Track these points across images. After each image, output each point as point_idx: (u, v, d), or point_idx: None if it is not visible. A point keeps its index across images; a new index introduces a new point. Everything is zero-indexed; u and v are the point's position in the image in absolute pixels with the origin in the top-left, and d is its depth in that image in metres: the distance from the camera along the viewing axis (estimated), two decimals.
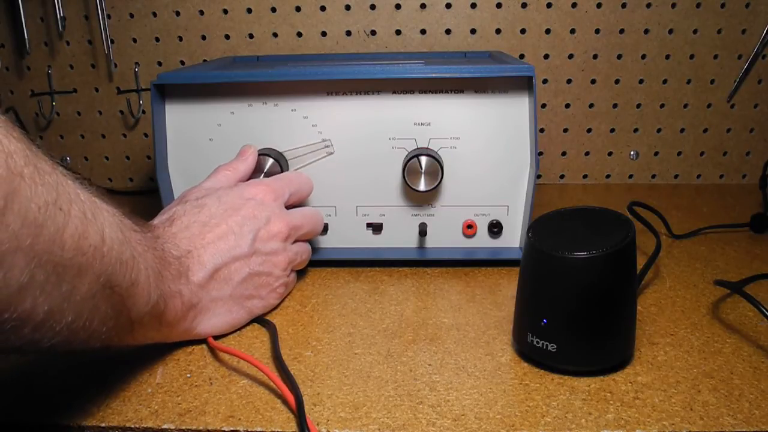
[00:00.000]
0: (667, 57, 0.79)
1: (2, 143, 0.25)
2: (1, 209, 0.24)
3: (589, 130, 0.83)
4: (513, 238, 0.56)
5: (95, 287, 0.30)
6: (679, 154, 0.83)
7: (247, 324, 0.47)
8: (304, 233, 0.52)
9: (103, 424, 0.35)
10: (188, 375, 0.40)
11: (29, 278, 0.26)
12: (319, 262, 0.58)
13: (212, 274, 0.43)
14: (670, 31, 0.78)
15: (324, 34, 0.80)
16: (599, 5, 0.77)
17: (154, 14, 0.81)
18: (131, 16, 0.81)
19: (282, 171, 0.54)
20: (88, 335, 0.31)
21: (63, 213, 0.27)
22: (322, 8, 0.79)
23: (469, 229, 0.56)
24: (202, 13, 0.80)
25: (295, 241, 0.51)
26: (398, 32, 0.80)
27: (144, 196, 0.83)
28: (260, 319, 0.47)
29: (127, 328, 0.35)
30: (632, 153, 0.83)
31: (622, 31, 0.78)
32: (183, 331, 0.42)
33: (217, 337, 0.44)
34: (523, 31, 0.79)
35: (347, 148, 0.55)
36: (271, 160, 0.54)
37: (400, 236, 0.57)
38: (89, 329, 0.31)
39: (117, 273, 0.32)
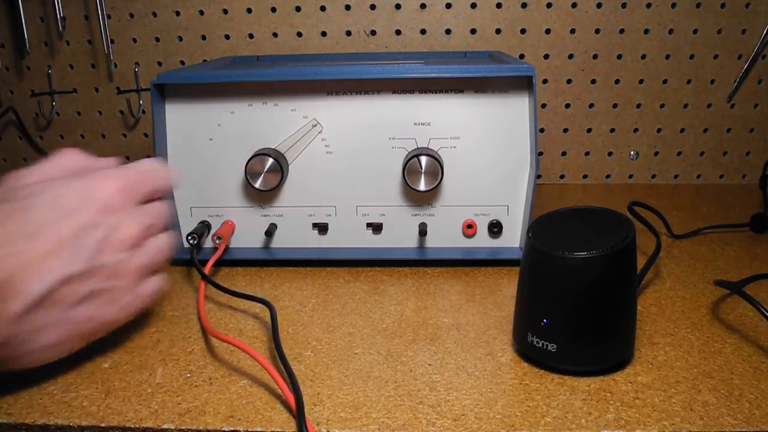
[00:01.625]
0: (667, 57, 0.79)
1: None
2: None
3: (589, 130, 0.83)
4: (513, 238, 0.56)
5: None
6: (679, 154, 0.83)
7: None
8: (160, 228, 0.43)
9: (103, 424, 0.35)
10: (188, 375, 0.40)
11: None
12: (319, 262, 0.58)
13: (37, 301, 0.34)
14: (670, 31, 0.78)
15: (324, 34, 0.81)
16: (599, 5, 0.77)
17: (154, 14, 0.81)
18: (131, 16, 0.81)
19: (282, 171, 0.54)
20: None
21: None
22: (322, 8, 0.79)
23: (469, 229, 0.56)
24: (202, 13, 0.80)
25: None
26: (398, 32, 0.80)
27: None
28: (258, 299, 0.45)
29: None
30: (632, 153, 0.83)
31: (622, 31, 0.78)
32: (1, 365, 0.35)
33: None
34: (523, 31, 0.79)
35: (347, 147, 0.55)
36: (271, 160, 0.54)
37: (400, 236, 0.57)
38: None
39: None
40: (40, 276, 0.34)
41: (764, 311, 0.42)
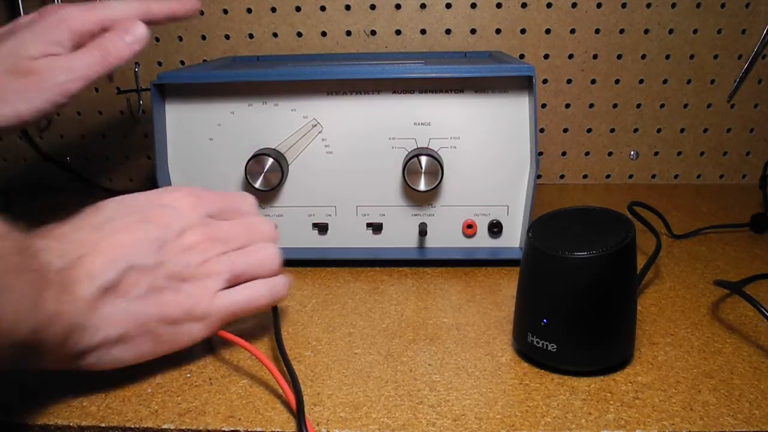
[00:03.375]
0: (667, 57, 0.79)
1: None
2: None
3: (589, 130, 0.83)
4: (513, 238, 0.56)
5: None
6: (679, 154, 0.83)
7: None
8: (241, 245, 0.42)
9: (103, 424, 0.35)
10: (188, 375, 0.40)
11: None
12: (319, 262, 0.58)
13: (104, 287, 0.35)
14: (670, 31, 0.78)
15: (324, 34, 0.80)
16: (599, 5, 0.77)
17: None
18: None
19: (282, 171, 0.54)
20: None
21: None
22: (322, 8, 0.79)
23: (469, 229, 0.56)
24: (202, 13, 0.80)
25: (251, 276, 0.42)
26: (398, 32, 0.80)
27: None
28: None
29: None
30: (632, 153, 0.83)
31: (622, 31, 0.78)
32: (66, 360, 0.35)
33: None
34: (523, 31, 0.79)
35: (347, 147, 0.55)
36: (271, 160, 0.54)
37: (400, 236, 0.57)
38: None
39: None
40: (109, 262, 0.35)
41: (764, 311, 0.42)
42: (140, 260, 0.37)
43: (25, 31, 0.45)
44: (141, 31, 0.47)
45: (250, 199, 0.46)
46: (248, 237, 0.43)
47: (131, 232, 0.37)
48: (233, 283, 0.41)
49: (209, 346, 0.44)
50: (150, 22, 0.49)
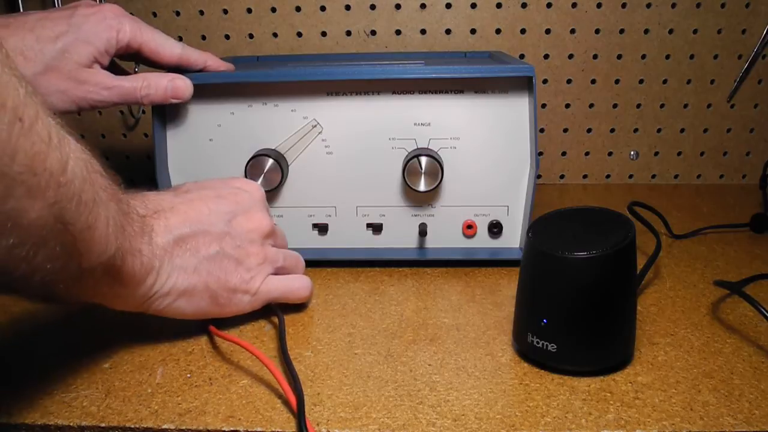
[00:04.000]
0: (667, 57, 0.79)
1: None
2: None
3: (589, 130, 0.83)
4: (513, 238, 0.56)
5: (46, 217, 0.28)
6: (679, 154, 0.83)
7: (249, 315, 0.46)
8: (281, 244, 0.49)
9: (103, 424, 0.35)
10: (188, 375, 0.40)
11: None
12: (319, 262, 0.58)
13: (178, 240, 0.40)
14: (670, 31, 0.78)
15: (324, 34, 0.81)
16: (599, 5, 0.77)
17: (155, 14, 0.81)
18: None
19: (282, 171, 0.54)
20: (31, 269, 0.29)
21: (21, 124, 0.25)
22: (322, 8, 0.79)
23: (469, 229, 0.56)
24: (202, 13, 0.80)
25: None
26: (398, 32, 0.80)
27: None
28: (269, 308, 0.46)
29: (75, 276, 0.32)
30: (632, 153, 0.83)
31: (622, 31, 0.78)
32: (139, 298, 0.39)
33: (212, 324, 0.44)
34: (523, 31, 0.79)
35: (347, 148, 0.55)
36: (270, 161, 0.54)
37: (400, 236, 0.57)
38: (32, 263, 0.29)
39: (73, 210, 0.29)
40: (184, 220, 0.41)
41: (764, 311, 0.42)
42: (211, 226, 0.42)
43: (84, 27, 0.49)
44: (185, 85, 0.53)
45: (286, 246, 0.51)
46: (287, 261, 0.48)
47: (206, 203, 0.43)
48: (278, 272, 0.47)
49: (209, 345, 0.44)
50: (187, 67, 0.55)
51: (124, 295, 0.38)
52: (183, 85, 0.52)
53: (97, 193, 0.32)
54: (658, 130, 0.82)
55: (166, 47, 0.53)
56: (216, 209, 0.43)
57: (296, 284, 0.48)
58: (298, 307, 0.49)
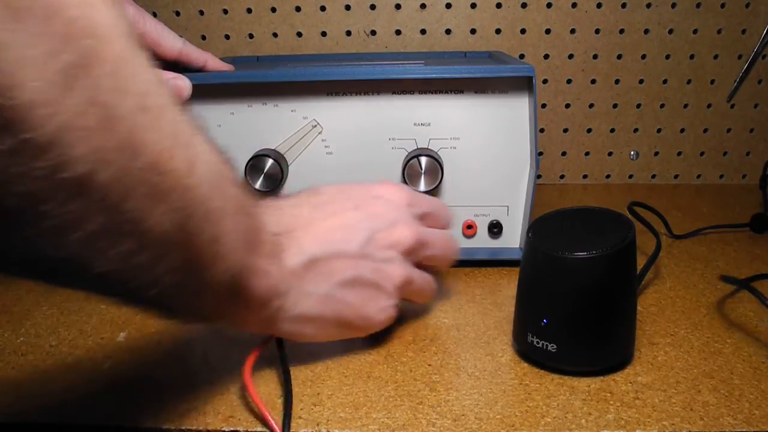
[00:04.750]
0: (667, 57, 0.79)
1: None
2: (76, 67, 0.19)
3: (589, 130, 0.83)
4: (513, 238, 0.56)
5: (168, 224, 0.25)
6: (679, 154, 0.83)
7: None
8: (431, 255, 0.43)
9: (103, 424, 0.35)
10: (188, 375, 0.40)
11: (88, 172, 0.21)
12: None
13: (310, 263, 0.36)
14: (670, 31, 0.78)
15: (324, 34, 0.81)
16: (599, 5, 0.77)
17: (155, 14, 0.81)
18: None
19: (282, 172, 0.54)
20: (150, 281, 0.26)
21: (148, 115, 0.23)
22: (322, 8, 0.79)
23: (469, 229, 0.56)
24: (202, 13, 0.80)
25: (419, 266, 0.43)
26: (398, 32, 0.80)
27: None
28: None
29: (196, 292, 0.30)
30: (632, 153, 0.83)
31: (622, 31, 0.78)
32: (263, 321, 0.36)
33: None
34: (523, 31, 0.79)
35: (347, 148, 0.55)
36: (270, 161, 0.54)
37: None
38: (151, 273, 0.26)
39: (198, 219, 0.26)
40: (319, 241, 0.37)
41: None
42: (349, 248, 0.38)
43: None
44: (184, 84, 0.50)
45: (451, 213, 0.47)
46: (443, 250, 0.44)
47: (344, 218, 0.39)
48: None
49: (209, 347, 0.44)
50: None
51: (246, 316, 0.35)
52: (183, 85, 0.52)
53: (227, 203, 0.29)
54: (658, 130, 0.82)
55: (168, 40, 0.52)
56: (354, 226, 0.39)
57: (424, 300, 0.45)
58: None
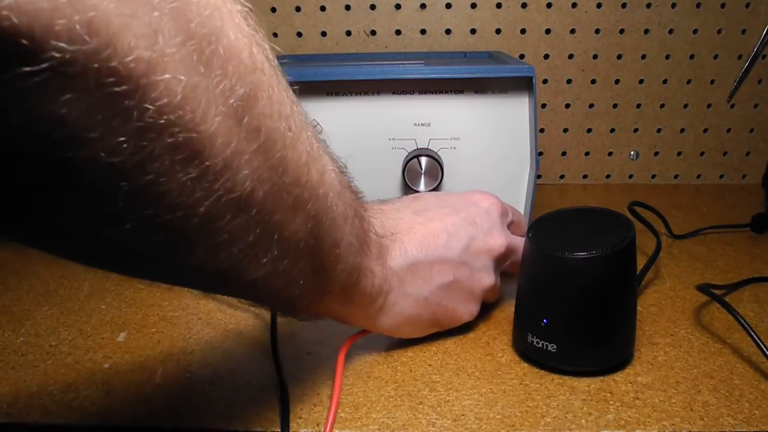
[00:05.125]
0: (667, 57, 0.79)
1: (252, 30, 0.23)
2: (245, 99, 0.22)
3: (589, 130, 0.83)
4: None
5: (303, 232, 0.27)
6: (679, 154, 0.83)
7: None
8: (515, 261, 0.45)
9: (103, 424, 0.35)
10: (188, 375, 0.40)
11: (250, 191, 0.23)
12: None
13: (412, 266, 0.38)
14: (670, 31, 0.78)
15: (324, 34, 0.80)
16: (599, 5, 0.77)
17: None
18: None
19: None
20: (286, 282, 0.29)
21: (291, 134, 0.25)
22: (322, 8, 0.79)
23: None
24: None
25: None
26: (398, 32, 0.80)
27: None
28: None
29: (317, 293, 0.32)
30: (632, 153, 0.83)
31: (622, 31, 0.78)
32: (366, 317, 0.38)
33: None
34: (523, 31, 0.79)
35: (347, 148, 0.55)
36: None
37: None
38: (288, 276, 0.28)
39: (325, 225, 0.29)
40: (421, 245, 0.39)
41: (742, 321, 0.40)
42: (449, 254, 0.40)
43: None
44: None
45: (526, 221, 0.50)
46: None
47: (444, 223, 0.40)
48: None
49: (209, 346, 0.44)
50: None
51: (354, 313, 0.37)
52: None
53: (346, 208, 0.31)
54: (658, 130, 0.82)
55: None
56: (454, 233, 0.40)
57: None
58: None
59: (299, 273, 0.29)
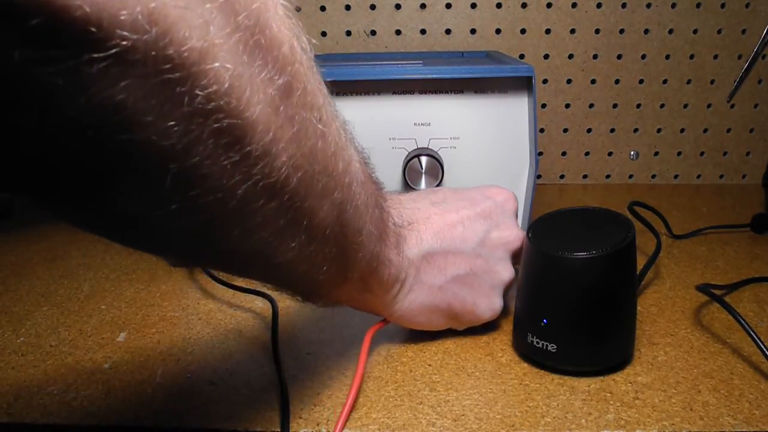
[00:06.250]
0: (667, 57, 0.79)
1: (293, 23, 0.23)
2: (283, 89, 0.23)
3: (589, 130, 0.83)
4: None
5: (329, 218, 0.28)
6: (679, 154, 0.83)
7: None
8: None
9: (103, 424, 0.35)
10: (188, 375, 0.40)
11: (285, 177, 0.24)
12: None
13: (428, 255, 0.39)
14: (670, 31, 0.78)
15: (324, 34, 0.81)
16: (599, 5, 0.77)
17: None
18: None
19: None
20: (311, 267, 0.30)
21: (322, 125, 0.26)
22: (322, 8, 0.79)
23: None
24: None
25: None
26: (398, 32, 0.80)
27: None
28: (260, 293, 0.47)
29: (338, 280, 0.33)
30: (632, 153, 0.83)
31: (622, 31, 0.78)
32: (382, 305, 0.39)
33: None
34: (523, 31, 0.79)
35: None
36: None
37: None
38: (313, 261, 0.29)
39: (350, 213, 0.30)
40: (437, 236, 0.39)
41: (742, 320, 0.40)
42: (464, 246, 0.40)
43: None
44: None
45: None
46: None
47: (460, 215, 0.41)
48: None
49: (209, 346, 0.44)
50: None
51: (370, 300, 0.38)
52: None
53: (369, 197, 0.32)
54: (658, 130, 0.82)
55: None
56: (470, 226, 0.41)
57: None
58: (296, 305, 0.49)
59: (324, 259, 0.30)
